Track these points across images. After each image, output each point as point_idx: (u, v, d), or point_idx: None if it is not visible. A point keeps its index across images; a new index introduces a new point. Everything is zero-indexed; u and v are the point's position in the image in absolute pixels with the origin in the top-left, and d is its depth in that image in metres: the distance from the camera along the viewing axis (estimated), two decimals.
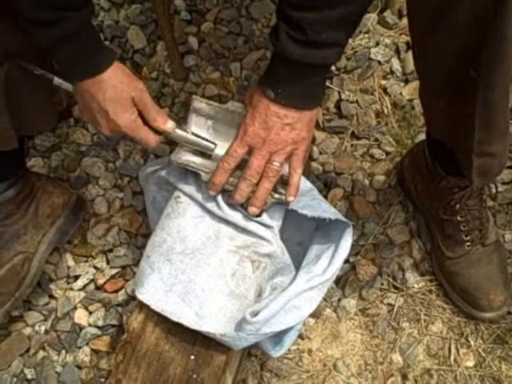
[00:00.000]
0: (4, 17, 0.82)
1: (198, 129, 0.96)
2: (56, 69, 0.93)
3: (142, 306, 0.94)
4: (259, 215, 0.93)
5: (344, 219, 0.92)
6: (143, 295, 0.91)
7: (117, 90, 0.85)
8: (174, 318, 0.89)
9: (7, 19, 0.82)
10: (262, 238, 0.93)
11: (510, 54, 0.80)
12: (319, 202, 0.95)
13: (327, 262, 0.91)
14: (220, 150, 0.93)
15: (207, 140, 0.93)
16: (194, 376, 0.89)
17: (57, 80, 0.91)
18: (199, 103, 0.94)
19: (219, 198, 0.93)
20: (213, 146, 0.93)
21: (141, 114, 0.89)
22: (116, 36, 1.44)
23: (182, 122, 1.13)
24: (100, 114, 0.87)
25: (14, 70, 0.90)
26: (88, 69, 0.84)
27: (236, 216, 0.93)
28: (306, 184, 0.97)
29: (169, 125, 0.91)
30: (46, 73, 0.90)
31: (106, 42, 1.43)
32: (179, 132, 0.92)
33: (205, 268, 0.91)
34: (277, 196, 0.93)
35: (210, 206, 0.94)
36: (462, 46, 0.81)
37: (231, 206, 0.93)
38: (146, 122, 0.90)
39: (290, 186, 0.91)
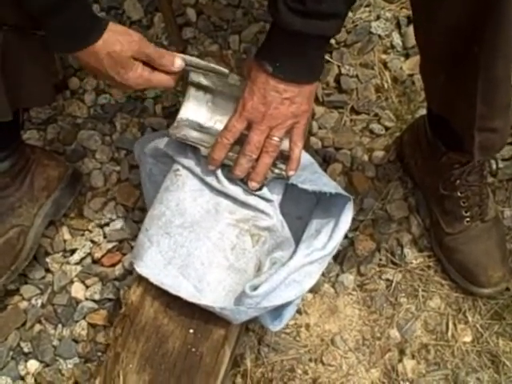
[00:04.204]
0: None
1: (197, 102, 0.94)
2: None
3: (141, 280, 0.93)
4: (259, 189, 0.92)
5: (345, 193, 0.92)
6: (142, 268, 0.90)
7: (113, 56, 0.83)
8: (173, 291, 0.88)
9: None
10: (261, 211, 0.92)
11: None
12: (320, 176, 0.94)
13: (327, 237, 0.91)
14: (219, 124, 0.92)
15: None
16: (193, 350, 0.89)
17: None
18: (197, 76, 0.92)
19: (219, 172, 0.92)
20: (227, 70, 0.90)
21: (147, 64, 0.87)
22: (113, 7, 1.42)
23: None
24: (109, 80, 0.86)
25: (11, 42, 0.88)
26: (78, 41, 0.82)
27: (236, 190, 0.92)
28: (306, 158, 0.96)
29: (177, 64, 0.88)
30: None
31: (103, 13, 1.40)
32: (190, 62, 0.90)
33: (204, 241, 0.90)
34: (277, 171, 0.92)
35: (210, 179, 0.93)
36: (463, 20, 0.79)
37: (231, 180, 0.92)
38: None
39: (291, 161, 0.89)
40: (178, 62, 0.89)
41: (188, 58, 0.90)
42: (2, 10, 0.83)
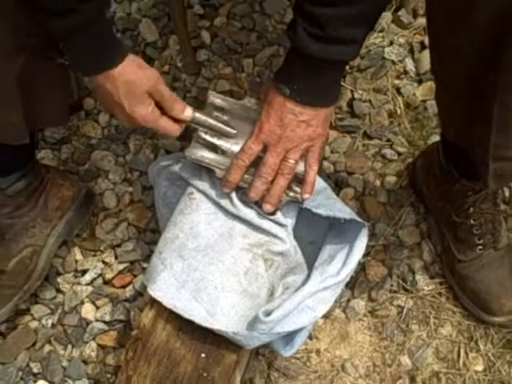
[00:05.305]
0: (23, 6, 0.80)
1: None
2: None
3: (153, 303, 0.93)
4: (273, 213, 0.92)
5: (359, 219, 0.91)
6: (155, 291, 0.90)
7: (130, 85, 0.83)
8: (186, 315, 0.88)
9: (26, 9, 0.81)
10: (275, 236, 0.92)
11: None
12: (334, 201, 0.94)
13: (341, 263, 0.90)
14: (235, 146, 0.92)
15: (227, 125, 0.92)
16: (205, 374, 0.89)
17: None
18: (215, 98, 0.93)
19: (233, 195, 0.92)
20: (234, 131, 0.91)
21: (158, 105, 0.87)
22: (128, 29, 1.44)
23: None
24: (117, 109, 0.85)
25: (31, 64, 0.88)
26: (98, 64, 0.82)
27: (250, 214, 0.92)
28: (320, 183, 0.96)
29: (187, 113, 0.89)
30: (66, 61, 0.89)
31: (118, 35, 1.41)
32: (199, 117, 0.91)
33: (217, 265, 0.90)
34: (292, 194, 0.92)
35: (224, 202, 0.93)
36: (480, 46, 0.79)
37: (245, 203, 0.92)
38: (164, 112, 0.88)
39: (306, 184, 0.90)
40: (188, 111, 0.89)
41: (197, 114, 0.91)
42: (28, 28, 0.84)
